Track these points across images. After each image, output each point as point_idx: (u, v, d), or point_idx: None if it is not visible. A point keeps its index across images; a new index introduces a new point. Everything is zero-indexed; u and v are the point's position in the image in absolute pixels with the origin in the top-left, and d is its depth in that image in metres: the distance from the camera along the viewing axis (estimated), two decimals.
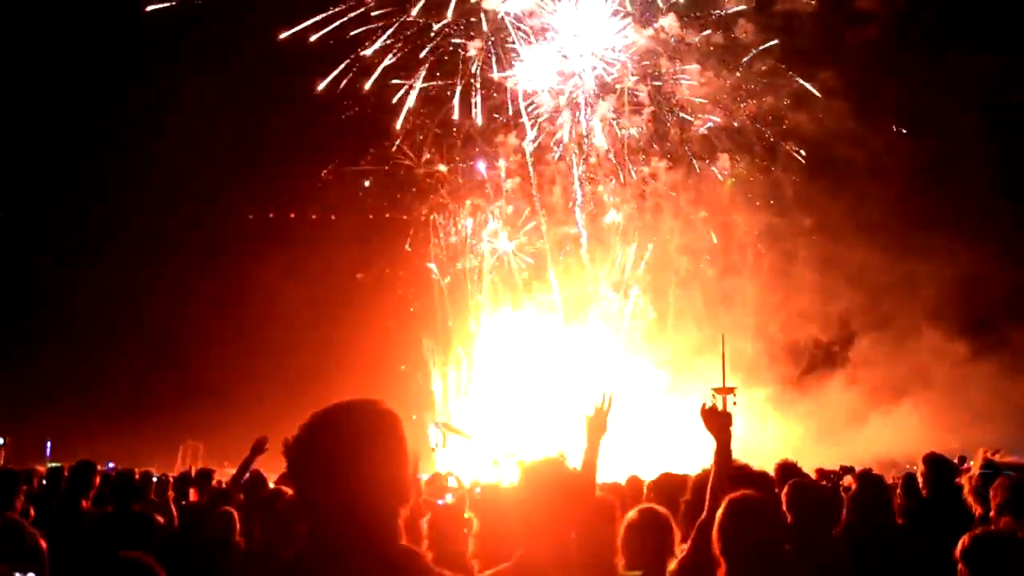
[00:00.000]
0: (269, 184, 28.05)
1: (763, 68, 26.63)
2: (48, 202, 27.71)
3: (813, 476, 7.58)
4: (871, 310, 25.58)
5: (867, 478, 5.25)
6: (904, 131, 25.27)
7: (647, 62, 27.41)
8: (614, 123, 27.45)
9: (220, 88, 25.36)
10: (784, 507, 4.33)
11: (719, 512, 3.14)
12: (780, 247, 26.34)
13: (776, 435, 23.41)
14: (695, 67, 26.70)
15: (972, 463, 4.52)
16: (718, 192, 27.07)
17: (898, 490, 6.30)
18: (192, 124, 25.70)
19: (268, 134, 26.88)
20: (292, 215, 28.86)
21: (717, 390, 21.73)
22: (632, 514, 4.00)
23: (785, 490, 4.51)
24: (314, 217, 28.62)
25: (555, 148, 27.84)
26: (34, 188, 27.32)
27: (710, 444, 4.01)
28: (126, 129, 26.56)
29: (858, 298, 25.49)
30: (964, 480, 4.32)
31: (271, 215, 29.03)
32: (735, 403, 21.56)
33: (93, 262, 27.61)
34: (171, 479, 9.12)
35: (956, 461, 8.22)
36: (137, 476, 7.30)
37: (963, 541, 3.34)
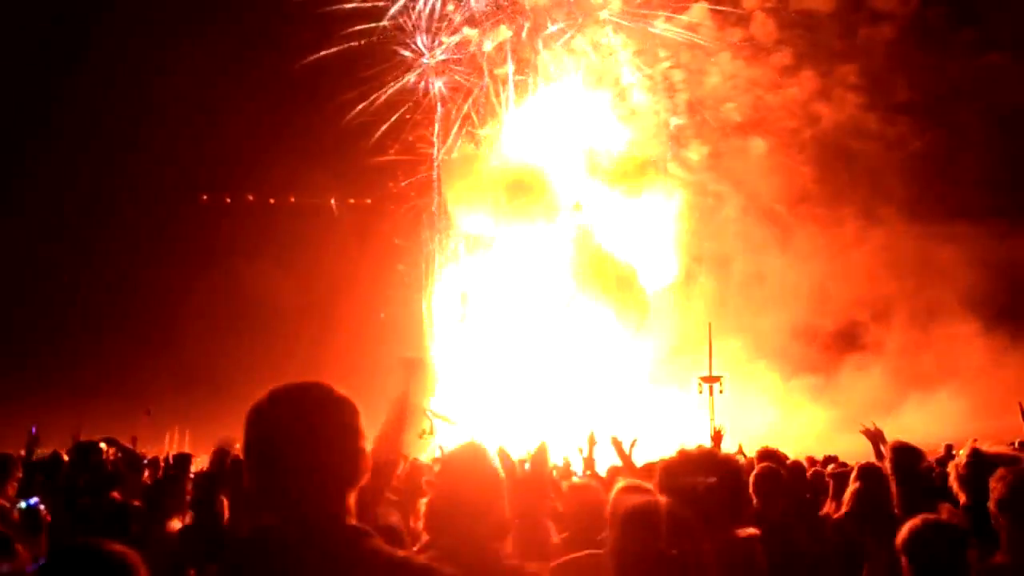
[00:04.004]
0: (260, 169, 27.92)
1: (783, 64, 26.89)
2: (34, 187, 27.55)
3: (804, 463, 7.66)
4: (902, 297, 25.91)
5: (867, 471, 5.30)
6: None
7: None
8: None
9: (204, 63, 25.22)
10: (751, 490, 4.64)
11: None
12: (810, 233, 26.48)
13: (803, 422, 23.53)
14: (725, 54, 27.04)
15: (960, 452, 4.60)
16: (748, 175, 27.15)
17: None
18: (175, 102, 25.57)
19: (253, 117, 26.69)
20: (292, 199, 28.68)
21: (704, 379, 21.87)
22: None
23: (752, 475, 4.79)
24: (292, 200, 28.46)
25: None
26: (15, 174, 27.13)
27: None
28: (106, 110, 26.38)
29: (890, 285, 25.83)
30: (951, 468, 4.39)
31: (271, 200, 28.91)
32: (721, 391, 21.71)
33: (80, 248, 27.53)
34: (162, 461, 9.18)
35: (944, 449, 8.35)
36: (111, 463, 7.20)
37: (903, 532, 3.41)
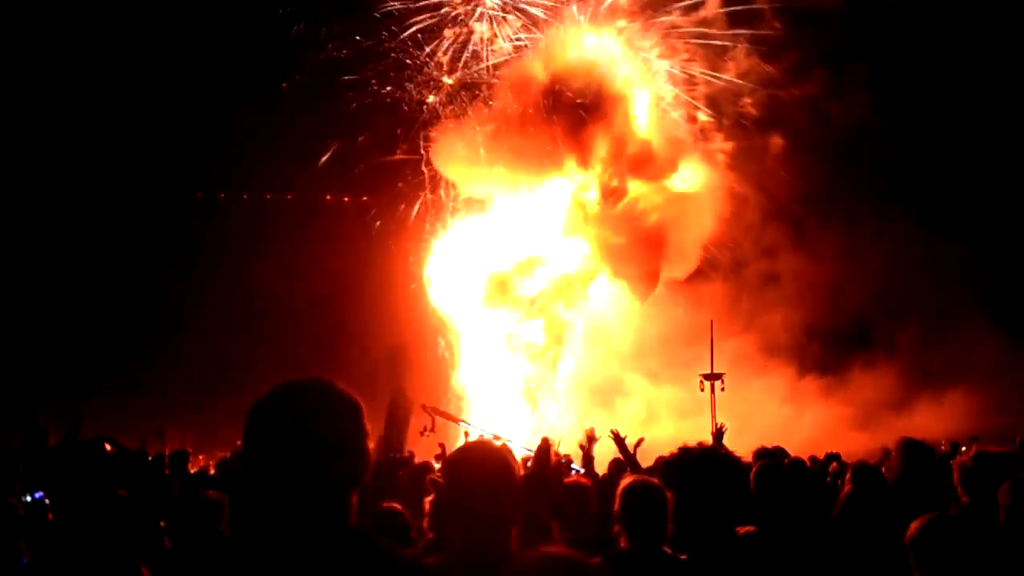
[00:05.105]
0: (265, 165, 27.97)
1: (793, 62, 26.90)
2: (31, 187, 27.75)
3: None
4: (914, 296, 25.91)
5: (861, 472, 5.34)
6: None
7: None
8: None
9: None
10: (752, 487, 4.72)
11: None
12: (823, 232, 26.54)
13: (813, 420, 23.57)
14: (740, 51, 27.16)
15: (963, 449, 4.65)
16: (764, 173, 27.16)
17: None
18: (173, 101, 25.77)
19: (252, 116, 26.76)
20: (289, 196, 28.76)
21: (705, 376, 21.86)
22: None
23: (753, 472, 4.87)
24: (289, 197, 28.52)
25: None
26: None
27: None
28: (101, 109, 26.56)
29: (901, 284, 25.85)
30: (955, 467, 4.43)
31: (267, 196, 28.97)
32: (722, 389, 21.67)
33: (81, 247, 27.73)
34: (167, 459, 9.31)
35: (947, 447, 8.40)
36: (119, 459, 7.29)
37: (911, 528, 3.40)
